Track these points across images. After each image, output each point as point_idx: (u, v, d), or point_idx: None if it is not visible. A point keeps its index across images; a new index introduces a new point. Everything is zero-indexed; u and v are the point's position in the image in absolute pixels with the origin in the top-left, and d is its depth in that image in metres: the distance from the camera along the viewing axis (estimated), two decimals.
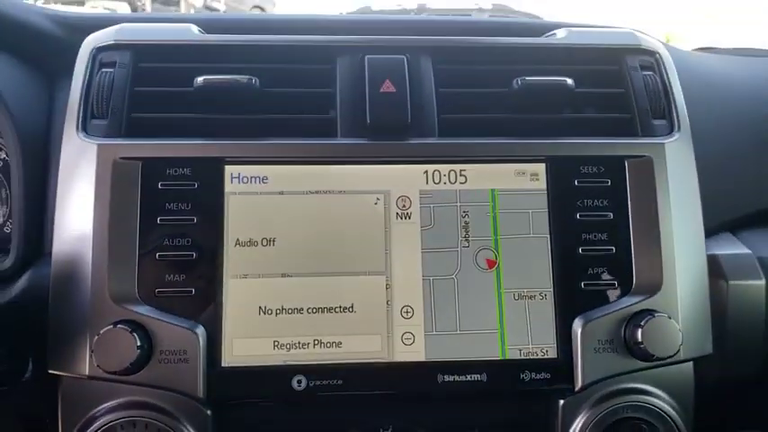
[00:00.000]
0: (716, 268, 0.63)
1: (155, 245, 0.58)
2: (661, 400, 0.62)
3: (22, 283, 0.62)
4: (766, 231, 0.68)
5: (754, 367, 0.64)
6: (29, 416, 0.65)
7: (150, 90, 0.62)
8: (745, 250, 0.65)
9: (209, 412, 0.59)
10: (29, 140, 0.65)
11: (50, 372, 0.58)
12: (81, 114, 0.61)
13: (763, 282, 0.63)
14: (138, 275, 0.57)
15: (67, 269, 0.58)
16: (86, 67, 0.63)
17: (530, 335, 0.59)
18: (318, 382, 0.57)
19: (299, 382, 0.57)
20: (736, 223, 0.68)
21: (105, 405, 0.59)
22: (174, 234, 0.58)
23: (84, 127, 0.61)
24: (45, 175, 0.65)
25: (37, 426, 0.65)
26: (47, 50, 0.72)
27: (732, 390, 0.65)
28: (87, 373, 0.55)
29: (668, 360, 0.58)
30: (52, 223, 0.61)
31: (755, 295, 0.63)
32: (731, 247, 0.65)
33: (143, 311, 0.56)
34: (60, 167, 0.60)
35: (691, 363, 0.63)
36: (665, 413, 0.61)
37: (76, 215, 0.58)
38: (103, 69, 0.63)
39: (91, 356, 0.55)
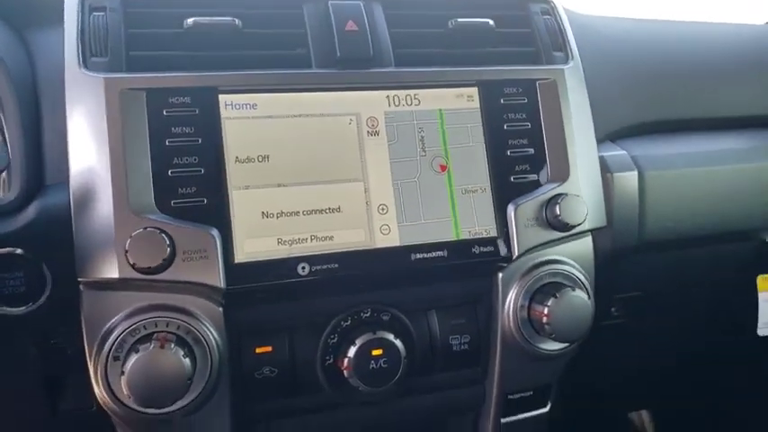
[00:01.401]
0: (603, 164, 0.83)
1: (166, 163, 0.66)
2: (571, 267, 0.81)
3: (29, 212, 0.67)
4: (635, 139, 0.89)
5: (632, 239, 0.85)
6: (45, 342, 0.70)
7: (144, 32, 0.69)
8: (622, 152, 0.86)
9: (221, 309, 0.69)
10: (20, 85, 0.70)
11: (79, 279, 0.65)
12: (81, 53, 0.67)
13: (635, 172, 0.84)
14: (154, 190, 0.65)
15: (88, 190, 0.65)
16: (77, 11, 0.69)
17: (476, 220, 0.75)
18: (319, 267, 0.69)
19: (303, 268, 0.69)
20: (614, 135, 0.89)
21: (126, 311, 0.67)
22: (182, 153, 0.67)
23: (86, 65, 0.67)
24: (38, 116, 0.71)
25: (53, 352, 0.70)
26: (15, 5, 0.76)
27: (618, 257, 0.85)
28: (118, 275, 0.63)
29: (577, 229, 0.77)
30: (52, 157, 0.67)
31: (631, 183, 0.84)
32: (613, 150, 0.86)
33: (163, 219, 0.65)
34: (67, 103, 0.66)
35: (590, 237, 0.83)
36: (575, 276, 0.80)
37: (91, 143, 0.66)
38: (94, 13, 0.70)
39: (123, 258, 0.63)
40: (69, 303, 0.67)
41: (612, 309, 0.92)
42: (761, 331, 0.92)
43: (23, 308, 0.66)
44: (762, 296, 0.91)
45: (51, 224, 0.66)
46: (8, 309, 0.65)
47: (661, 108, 0.90)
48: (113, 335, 0.65)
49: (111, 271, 0.64)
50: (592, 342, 0.85)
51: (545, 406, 0.88)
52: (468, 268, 0.76)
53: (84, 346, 0.68)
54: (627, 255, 0.86)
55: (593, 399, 1.16)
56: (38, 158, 0.70)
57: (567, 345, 0.81)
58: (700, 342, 1.10)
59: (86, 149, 0.66)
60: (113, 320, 0.66)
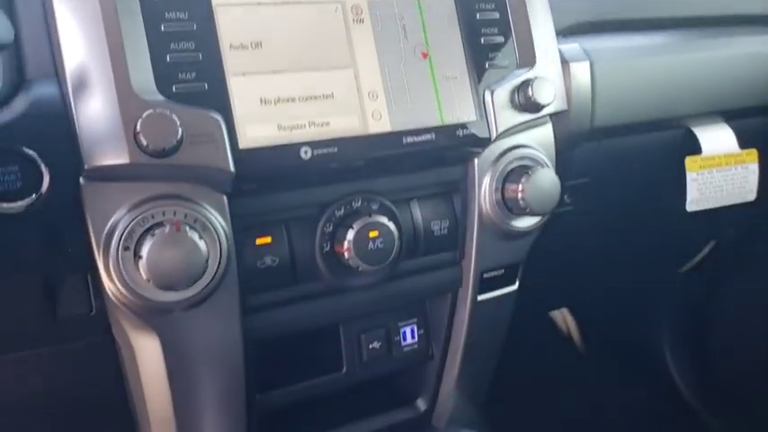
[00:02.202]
0: (560, 55, 0.90)
1: (164, 48, 0.65)
2: (537, 151, 0.88)
3: (17, 106, 0.64)
4: (583, 35, 0.97)
5: (586, 125, 0.94)
6: (45, 241, 0.68)
7: None
8: (575, 44, 0.94)
9: (225, 198, 0.70)
10: None
11: (83, 170, 0.63)
12: None
13: (587, 62, 0.92)
14: (154, 75, 0.65)
15: (86, 78, 0.63)
16: None
17: (456, 105, 0.80)
18: (320, 151, 0.72)
19: (306, 152, 0.71)
20: (565, 32, 0.96)
21: (131, 201, 0.66)
22: (179, 39, 0.66)
23: None
24: (12, 13, 0.67)
25: (53, 252, 0.69)
26: None
27: (573, 144, 0.94)
28: (129, 160, 0.63)
29: (545, 110, 0.84)
30: (32, 51, 0.65)
31: (584, 72, 0.92)
32: (566, 44, 0.93)
33: (168, 103, 0.64)
34: None
35: (550, 124, 0.90)
36: (541, 159, 0.88)
37: (84, 31, 0.63)
38: None
39: (133, 141, 0.62)
40: (69, 198, 0.66)
41: (565, 196, 1.01)
42: (689, 207, 1.05)
43: (21, 203, 0.64)
44: (689, 176, 1.04)
45: (43, 117, 0.64)
46: (5, 205, 0.63)
47: (606, 8, 0.99)
48: (121, 225, 0.65)
49: (121, 156, 0.63)
50: (545, 231, 0.95)
51: (513, 283, 0.97)
52: (452, 152, 0.82)
53: (86, 243, 0.67)
54: (580, 141, 0.95)
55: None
56: (16, 53, 0.67)
57: (536, 221, 0.89)
58: (634, 236, 1.23)
59: (80, 38, 0.64)
60: (119, 212, 0.66)
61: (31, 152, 0.64)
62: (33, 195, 0.64)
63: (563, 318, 1.95)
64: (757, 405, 1.64)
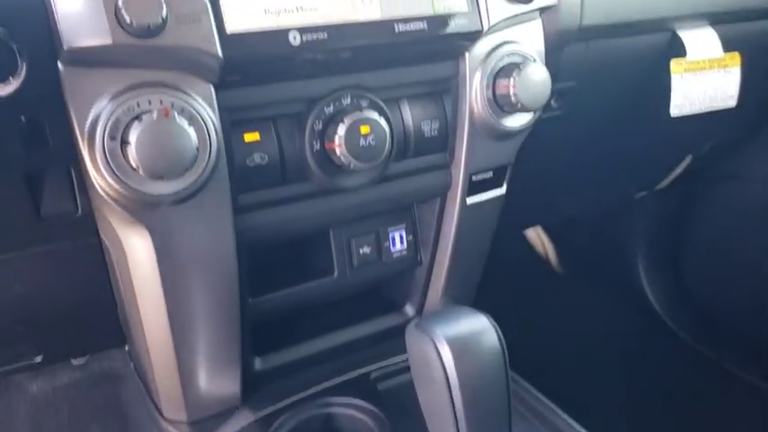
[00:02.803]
0: None
1: None
2: (523, 46, 0.87)
3: None
4: None
5: (575, 22, 0.92)
6: (24, 132, 0.65)
7: None
8: None
9: (212, 87, 0.68)
10: None
11: (67, 48, 0.60)
12: None
13: None
14: None
15: None
16: None
17: None
18: (309, 36, 0.69)
19: (295, 37, 0.68)
20: None
21: (115, 89, 0.63)
22: None
23: None
24: None
25: (34, 144, 0.66)
26: None
27: (562, 43, 0.93)
28: (112, 40, 0.59)
29: (535, 3, 0.82)
30: None
31: None
32: None
33: None
34: None
35: (540, 20, 0.89)
36: (530, 56, 0.87)
37: None
38: None
39: (115, 20, 0.59)
40: (48, 86, 0.63)
41: (552, 100, 1.01)
42: (672, 111, 1.05)
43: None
44: (674, 78, 1.04)
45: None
46: None
47: None
48: (105, 114, 0.62)
49: (103, 36, 0.59)
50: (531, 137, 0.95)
51: (501, 187, 0.97)
52: (443, 44, 0.80)
53: (68, 135, 0.64)
54: (568, 40, 0.93)
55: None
56: None
57: (527, 120, 0.88)
58: (618, 140, 1.23)
59: None
60: (102, 100, 0.63)
61: (3, 36, 0.60)
62: (9, 81, 0.61)
63: (538, 237, 1.98)
64: (727, 321, 1.71)
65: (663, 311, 1.81)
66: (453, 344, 0.56)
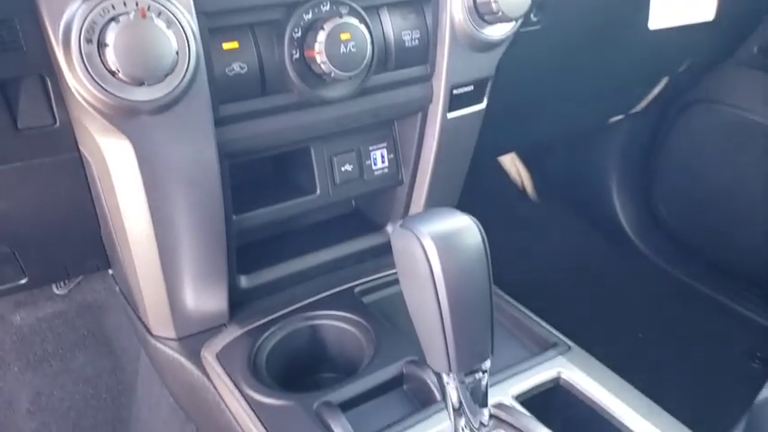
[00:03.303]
0: None
1: None
2: None
3: None
4: None
5: None
6: (1, 33, 0.63)
7: None
8: None
9: None
10: None
11: None
12: None
13: None
14: None
15: None
16: None
17: None
18: None
19: None
20: None
21: None
22: None
23: None
24: None
25: (10, 51, 0.63)
26: None
27: None
28: None
29: None
30: None
31: None
32: None
33: None
34: None
35: None
36: None
37: None
38: None
39: None
40: None
41: (531, 14, 1.00)
42: (651, 24, 1.05)
43: None
44: None
45: None
46: None
47: None
48: (79, 16, 0.61)
49: None
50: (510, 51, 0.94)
51: (481, 101, 0.97)
52: None
53: (42, 38, 0.63)
54: None
55: None
56: None
57: (507, 30, 0.88)
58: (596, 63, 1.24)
59: None
60: (75, 1, 0.61)
61: None
62: None
63: (513, 164, 2.00)
64: (696, 244, 1.76)
65: (634, 234, 1.86)
66: (438, 239, 0.57)
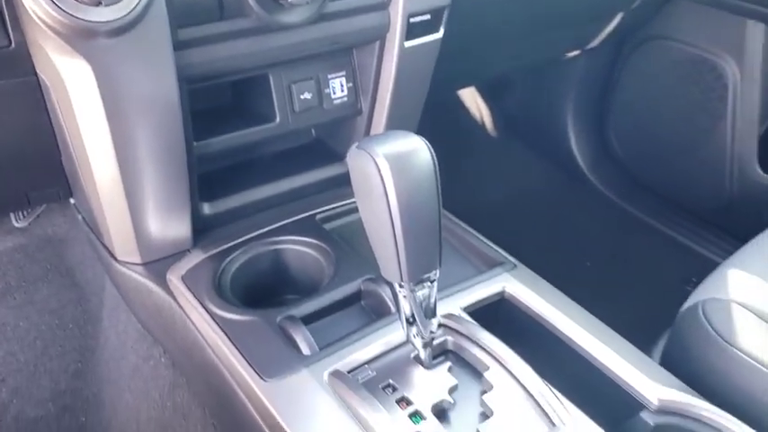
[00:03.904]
0: None
1: None
2: None
3: None
4: None
5: None
6: None
7: None
8: None
9: None
10: None
11: None
12: None
13: None
14: None
15: None
16: None
17: None
18: None
19: None
20: None
21: None
22: None
23: None
24: None
25: None
26: None
27: None
28: None
29: None
30: None
31: None
32: None
33: None
34: None
35: None
36: None
37: None
38: None
39: None
40: None
41: None
42: None
43: None
44: None
45: None
46: None
47: None
48: None
49: None
50: None
51: (438, 31, 0.99)
52: None
53: None
54: None
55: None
56: None
57: None
58: None
59: None
60: None
61: None
62: None
63: (473, 99, 2.03)
64: (648, 179, 1.84)
65: (587, 167, 1.93)
66: (390, 159, 0.61)
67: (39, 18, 0.64)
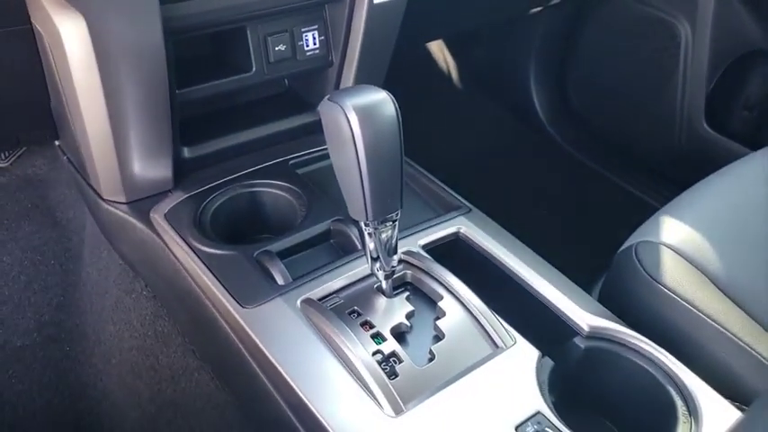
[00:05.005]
0: None
1: None
2: None
3: None
4: None
5: None
6: None
7: None
8: None
9: None
10: None
11: None
12: None
13: None
14: None
15: None
16: None
17: None
18: None
19: None
20: None
21: None
22: None
23: None
24: None
25: None
26: None
27: None
28: None
29: None
30: None
31: None
32: None
33: None
34: None
35: None
36: None
37: None
38: None
39: None
40: None
41: None
42: None
43: None
44: None
45: None
46: None
47: None
48: None
49: None
50: None
51: None
52: None
53: None
54: None
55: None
56: None
57: None
58: None
59: None
60: None
61: None
62: None
63: (441, 52, 2.09)
64: (606, 134, 1.93)
65: (547, 120, 2.01)
66: (359, 111, 0.68)
67: None
